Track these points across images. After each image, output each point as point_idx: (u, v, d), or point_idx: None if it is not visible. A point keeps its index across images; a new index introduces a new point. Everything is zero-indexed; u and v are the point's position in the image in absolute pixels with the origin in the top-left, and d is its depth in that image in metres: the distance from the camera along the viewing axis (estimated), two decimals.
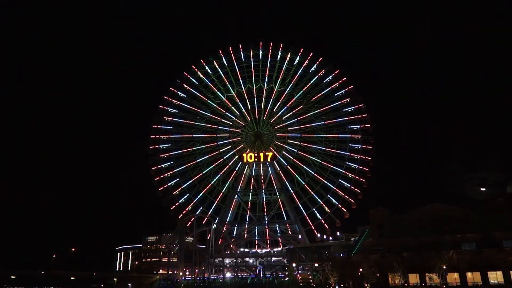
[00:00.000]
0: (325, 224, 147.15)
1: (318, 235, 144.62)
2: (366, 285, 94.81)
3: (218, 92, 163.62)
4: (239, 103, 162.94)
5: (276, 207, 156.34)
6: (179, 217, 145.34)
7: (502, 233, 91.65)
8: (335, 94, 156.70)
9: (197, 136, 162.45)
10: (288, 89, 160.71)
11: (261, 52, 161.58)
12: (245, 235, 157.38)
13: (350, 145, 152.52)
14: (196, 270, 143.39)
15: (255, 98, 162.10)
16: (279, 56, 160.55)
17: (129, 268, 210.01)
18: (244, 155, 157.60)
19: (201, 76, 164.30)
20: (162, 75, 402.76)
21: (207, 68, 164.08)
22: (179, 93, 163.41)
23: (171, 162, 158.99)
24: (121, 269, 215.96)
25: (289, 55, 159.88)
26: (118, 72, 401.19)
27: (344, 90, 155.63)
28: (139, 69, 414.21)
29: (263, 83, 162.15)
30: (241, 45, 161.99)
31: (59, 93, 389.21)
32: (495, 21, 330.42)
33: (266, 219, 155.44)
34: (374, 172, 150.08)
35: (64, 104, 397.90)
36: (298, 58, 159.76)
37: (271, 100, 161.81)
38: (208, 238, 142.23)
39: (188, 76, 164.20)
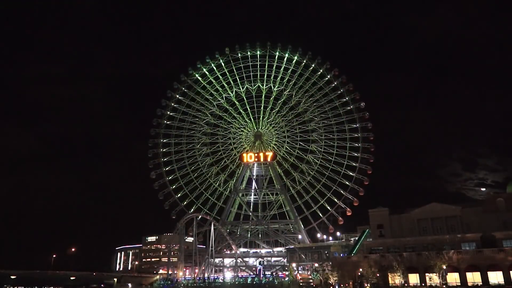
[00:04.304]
0: (327, 222, 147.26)
1: (319, 235, 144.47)
2: (366, 285, 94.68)
3: (216, 94, 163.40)
4: (238, 104, 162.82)
5: (276, 206, 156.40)
6: (181, 220, 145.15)
7: (502, 233, 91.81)
8: (334, 93, 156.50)
9: (197, 137, 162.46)
10: (287, 89, 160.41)
11: (258, 52, 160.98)
12: (246, 235, 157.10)
13: (350, 143, 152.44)
14: (196, 270, 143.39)
15: (254, 98, 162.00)
16: (276, 56, 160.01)
17: (129, 268, 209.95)
18: (244, 155, 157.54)
19: (199, 78, 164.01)
20: (160, 78, 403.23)
21: (204, 69, 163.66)
22: (178, 95, 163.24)
23: (172, 165, 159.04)
24: (121, 269, 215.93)
25: (287, 55, 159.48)
26: (117, 74, 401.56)
27: (343, 89, 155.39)
28: (138, 71, 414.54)
29: (262, 83, 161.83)
30: (238, 46, 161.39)
31: (58, 92, 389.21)
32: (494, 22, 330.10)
33: (266, 219, 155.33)
34: (374, 170, 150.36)
35: (63, 104, 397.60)
36: (296, 57, 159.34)
37: (270, 99, 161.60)
38: (208, 238, 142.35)
39: (186, 78, 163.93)
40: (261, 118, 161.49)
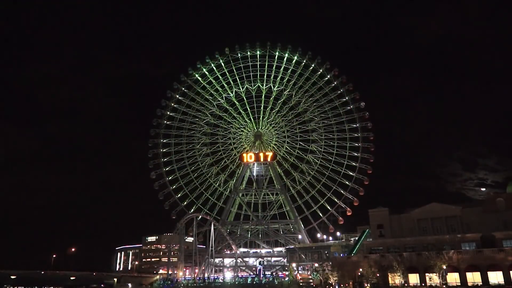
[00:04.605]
0: (327, 222, 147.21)
1: (319, 235, 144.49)
2: (366, 285, 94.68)
3: (216, 94, 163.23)
4: (238, 104, 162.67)
5: (276, 206, 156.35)
6: (181, 220, 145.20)
7: (502, 233, 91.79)
8: (334, 92, 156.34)
9: (197, 137, 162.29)
10: (287, 89, 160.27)
11: (258, 52, 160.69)
12: (246, 235, 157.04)
13: (350, 143, 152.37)
14: (196, 270, 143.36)
15: (254, 98, 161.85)
16: (276, 56, 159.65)
17: (129, 268, 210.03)
18: (244, 155, 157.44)
19: (199, 78, 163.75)
20: (160, 78, 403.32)
21: (204, 69, 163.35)
22: (177, 95, 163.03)
23: (172, 165, 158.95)
24: (121, 269, 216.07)
25: (286, 54, 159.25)
26: (117, 74, 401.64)
27: (343, 88, 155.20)
28: (138, 71, 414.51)
29: (262, 83, 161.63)
30: (238, 46, 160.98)
31: (58, 93, 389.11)
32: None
33: (266, 219, 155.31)
34: (374, 170, 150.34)
35: (63, 104, 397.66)
36: (296, 57, 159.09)
37: (270, 99, 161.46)
38: (208, 238, 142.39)
39: (186, 78, 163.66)
40: (261, 118, 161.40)
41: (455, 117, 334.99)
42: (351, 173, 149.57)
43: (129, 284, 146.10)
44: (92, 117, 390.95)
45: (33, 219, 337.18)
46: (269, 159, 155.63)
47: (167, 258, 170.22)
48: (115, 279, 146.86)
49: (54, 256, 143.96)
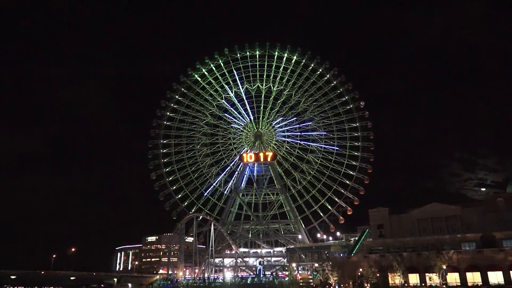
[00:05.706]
0: (328, 222, 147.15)
1: (318, 235, 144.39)
2: (366, 285, 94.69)
3: (216, 94, 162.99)
4: (238, 104, 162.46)
5: (277, 206, 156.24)
6: (181, 220, 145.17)
7: (502, 233, 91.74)
8: (334, 92, 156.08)
9: (197, 138, 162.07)
10: (286, 88, 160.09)
11: (257, 52, 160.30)
12: (246, 235, 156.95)
13: (350, 142, 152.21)
14: (196, 270, 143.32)
15: (254, 98, 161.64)
16: (276, 56, 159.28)
17: (129, 268, 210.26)
18: (244, 155, 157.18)
19: (198, 78, 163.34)
20: (160, 78, 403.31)
21: (203, 70, 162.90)
22: (177, 96, 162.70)
23: (172, 166, 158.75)
24: (121, 269, 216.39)
25: (286, 54, 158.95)
26: (117, 74, 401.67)
27: (342, 88, 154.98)
28: (138, 71, 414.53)
29: (261, 83, 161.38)
30: (237, 46, 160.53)
31: (58, 93, 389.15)
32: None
33: (266, 219, 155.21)
34: (374, 169, 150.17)
35: (63, 104, 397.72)
36: (295, 57, 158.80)
37: (270, 99, 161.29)
38: (208, 238, 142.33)
39: (186, 79, 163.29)
40: (261, 118, 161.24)
41: (455, 117, 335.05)
42: (352, 173, 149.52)
43: (129, 284, 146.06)
44: (92, 117, 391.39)
45: (33, 219, 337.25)
46: (269, 159, 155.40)
47: (167, 258, 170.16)
48: (115, 279, 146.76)
49: (54, 256, 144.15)
